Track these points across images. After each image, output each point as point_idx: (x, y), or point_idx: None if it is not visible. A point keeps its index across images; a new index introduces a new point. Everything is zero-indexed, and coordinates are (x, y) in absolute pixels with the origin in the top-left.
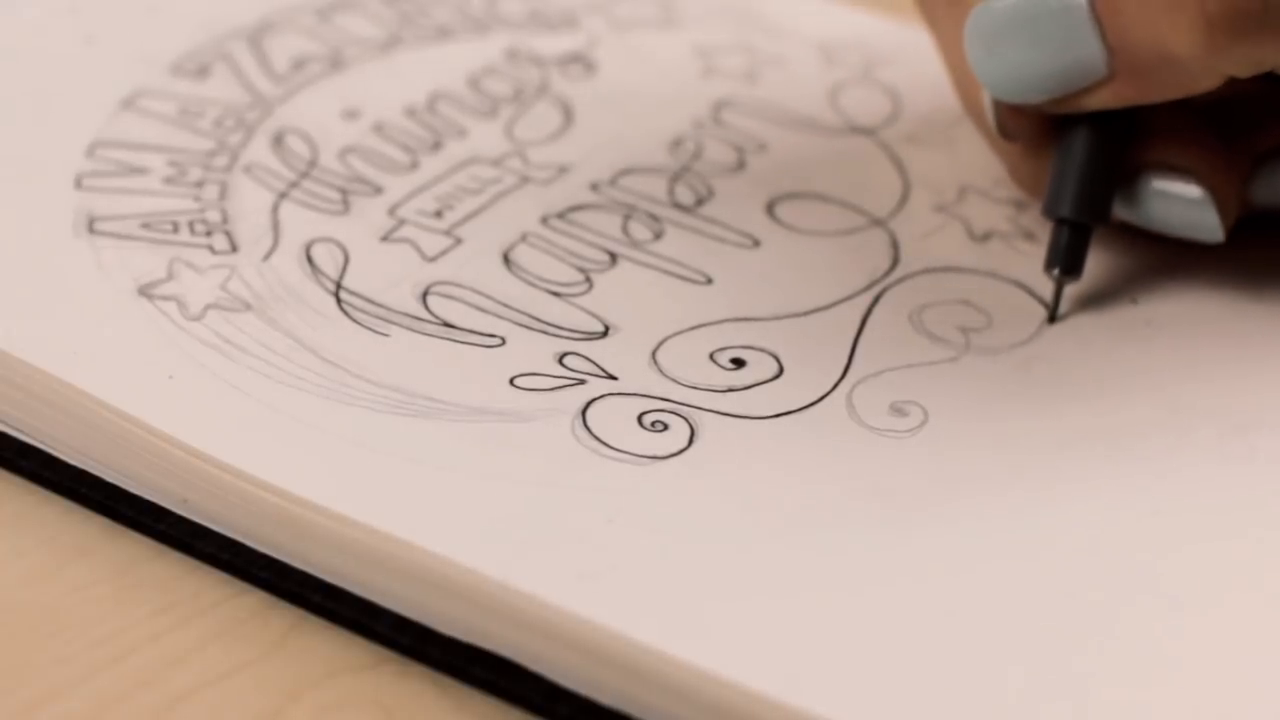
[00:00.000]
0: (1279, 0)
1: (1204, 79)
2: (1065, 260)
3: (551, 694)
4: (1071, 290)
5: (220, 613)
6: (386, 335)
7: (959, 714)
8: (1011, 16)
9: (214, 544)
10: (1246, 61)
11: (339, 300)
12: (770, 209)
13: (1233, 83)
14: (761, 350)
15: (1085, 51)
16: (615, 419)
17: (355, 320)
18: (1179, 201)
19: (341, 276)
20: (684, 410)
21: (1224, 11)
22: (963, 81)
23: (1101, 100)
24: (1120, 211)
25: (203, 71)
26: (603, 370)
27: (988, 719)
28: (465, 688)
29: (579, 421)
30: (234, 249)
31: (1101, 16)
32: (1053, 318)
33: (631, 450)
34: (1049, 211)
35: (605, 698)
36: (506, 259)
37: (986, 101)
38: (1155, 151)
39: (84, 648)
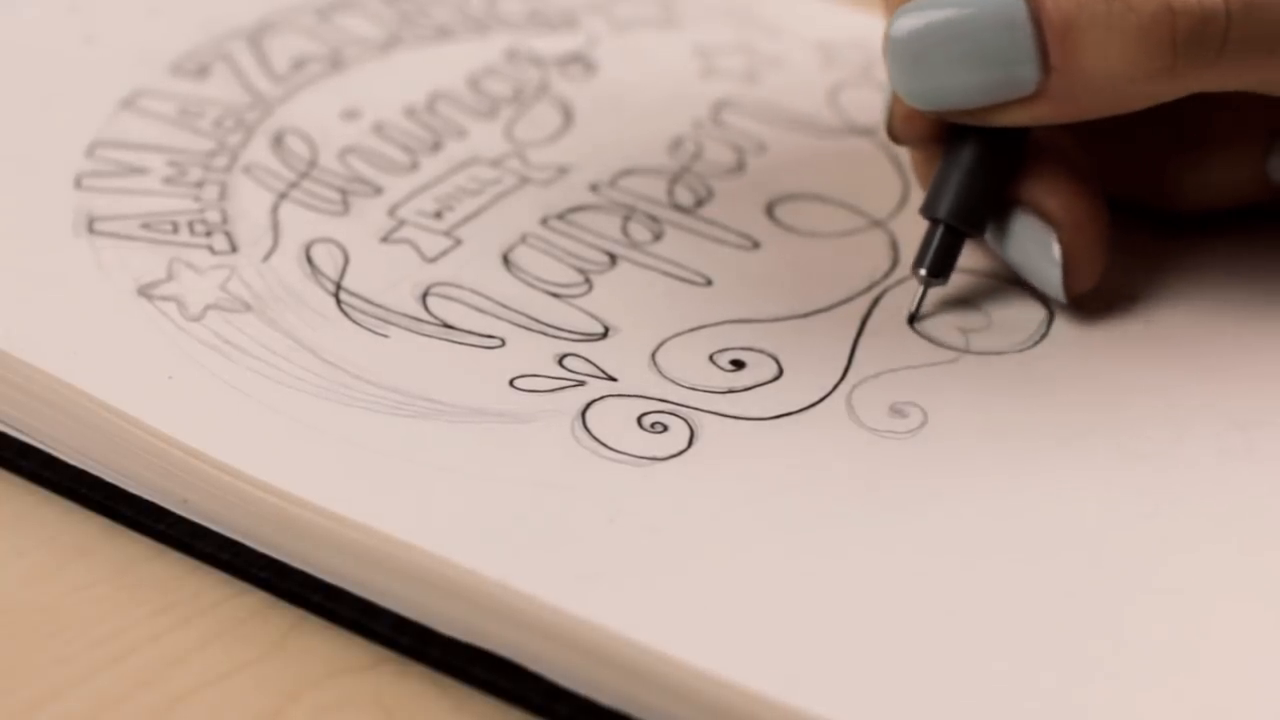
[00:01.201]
0: (1239, 27)
1: (1140, 101)
2: (934, 263)
3: (551, 694)
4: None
5: (220, 613)
6: (386, 336)
7: (958, 714)
8: (943, 28)
9: (214, 544)
10: (1198, 84)
11: (339, 301)
12: (770, 210)
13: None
14: (761, 352)
15: (1019, 70)
16: (615, 420)
17: (355, 321)
18: (1036, 252)
19: (341, 277)
20: (683, 411)
21: (1189, 37)
22: None
23: (1014, 117)
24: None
25: (202, 71)
26: (602, 371)
27: (987, 719)
28: (465, 688)
29: (579, 422)
30: (234, 249)
31: (1048, 37)
32: (913, 319)
33: (631, 451)
34: (926, 211)
35: (605, 698)
36: (506, 260)
37: (884, 100)
38: (1035, 191)
39: (84, 648)
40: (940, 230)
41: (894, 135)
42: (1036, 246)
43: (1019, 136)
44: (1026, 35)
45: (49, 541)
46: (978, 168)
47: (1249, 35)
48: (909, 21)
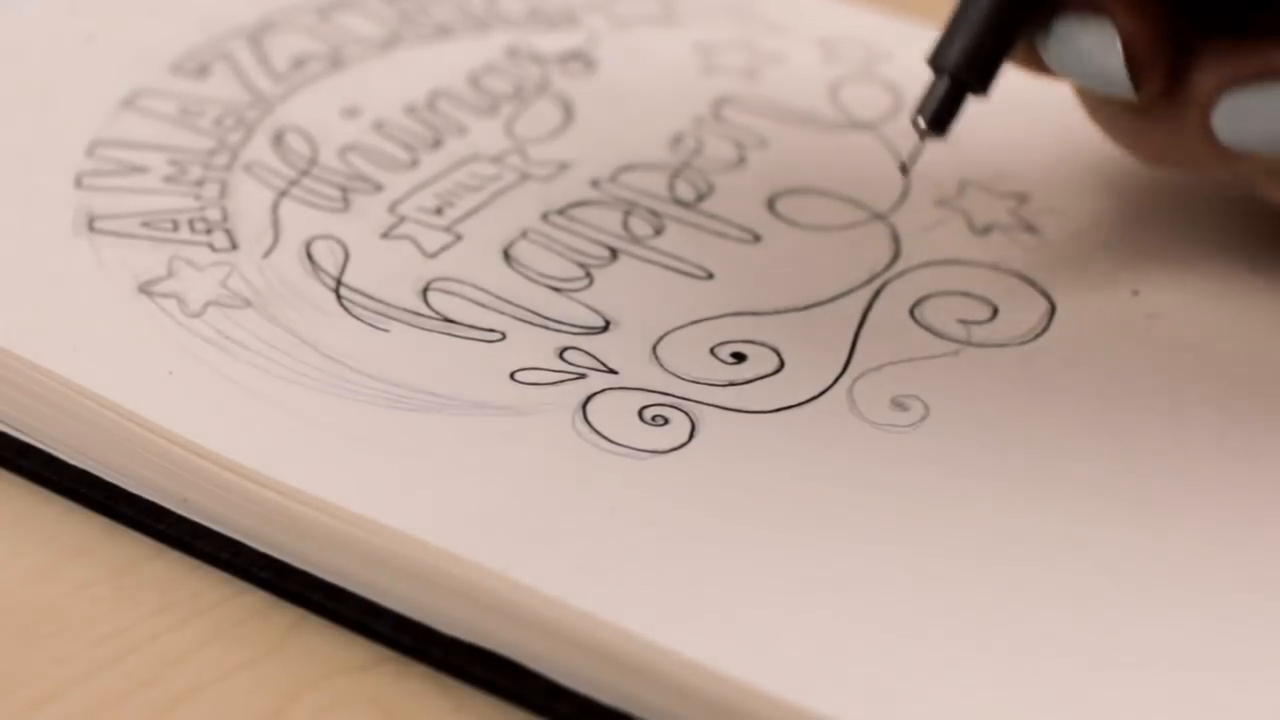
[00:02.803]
0: None
1: None
2: (935, 112)
3: (552, 693)
4: (1073, 282)
5: (220, 613)
6: (387, 331)
7: (958, 713)
8: None
9: (214, 544)
10: None
11: (339, 296)
12: (771, 204)
13: None
14: (762, 344)
15: None
16: (616, 413)
17: (355, 316)
18: (1092, 47)
19: (342, 273)
20: (685, 405)
21: None
22: None
23: None
24: (1034, 49)
25: (203, 70)
26: (603, 364)
27: (987, 718)
28: (465, 687)
29: (579, 416)
30: (234, 247)
31: None
32: (904, 169)
33: (632, 445)
34: (933, 60)
35: (606, 696)
36: (507, 255)
37: None
38: None
39: (84, 648)
40: (946, 80)
41: None
42: (1091, 40)
43: None
44: None
45: (49, 541)
46: (992, 17)
47: None
48: None
